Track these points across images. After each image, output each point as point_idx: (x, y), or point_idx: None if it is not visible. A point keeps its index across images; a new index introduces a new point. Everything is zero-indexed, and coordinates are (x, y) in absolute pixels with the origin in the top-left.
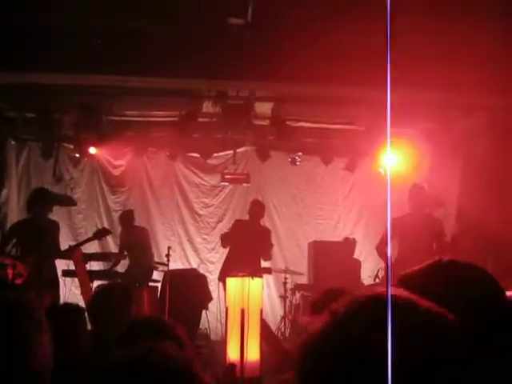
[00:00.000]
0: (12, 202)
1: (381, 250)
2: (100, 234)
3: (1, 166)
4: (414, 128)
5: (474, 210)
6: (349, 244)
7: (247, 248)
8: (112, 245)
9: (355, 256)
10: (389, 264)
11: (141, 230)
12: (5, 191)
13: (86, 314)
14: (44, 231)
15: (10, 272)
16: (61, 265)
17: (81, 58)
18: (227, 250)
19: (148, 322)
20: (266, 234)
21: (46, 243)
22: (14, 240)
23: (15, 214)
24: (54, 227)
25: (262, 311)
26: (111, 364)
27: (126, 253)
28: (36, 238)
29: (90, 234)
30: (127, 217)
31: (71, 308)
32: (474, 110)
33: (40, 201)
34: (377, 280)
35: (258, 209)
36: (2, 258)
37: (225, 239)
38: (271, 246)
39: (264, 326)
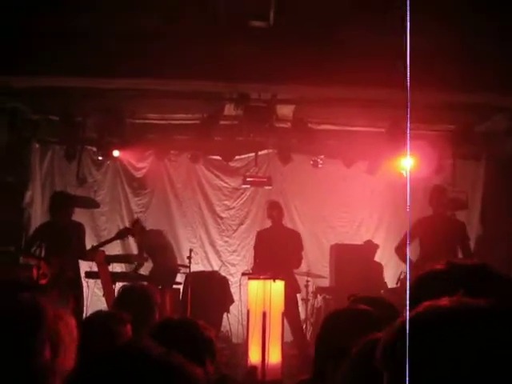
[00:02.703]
0: (36, 204)
1: (400, 251)
2: (123, 234)
3: (25, 169)
4: (435, 130)
5: (498, 212)
6: (370, 247)
7: (275, 256)
8: (134, 246)
9: (377, 259)
10: (407, 265)
11: (157, 233)
12: (29, 193)
13: None
14: (68, 233)
15: (34, 272)
16: (84, 266)
17: (102, 61)
18: (249, 253)
19: (181, 323)
20: (295, 236)
21: (71, 245)
22: (39, 242)
23: (39, 216)
24: (80, 229)
25: (283, 314)
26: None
27: (145, 255)
28: (60, 240)
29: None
30: (136, 225)
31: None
32: (496, 111)
33: (61, 204)
34: (399, 284)
35: (276, 210)
36: (27, 258)
37: (255, 257)
38: (301, 249)
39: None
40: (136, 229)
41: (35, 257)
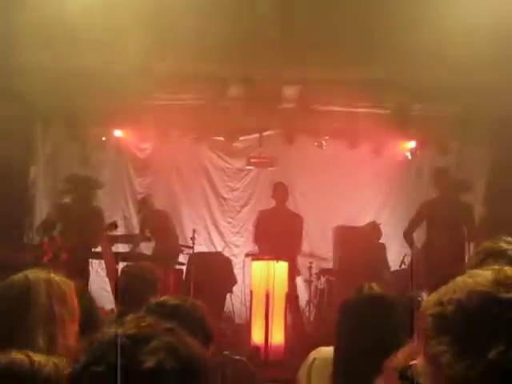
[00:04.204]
0: (39, 184)
1: (408, 235)
2: (108, 228)
3: (28, 149)
4: (441, 111)
5: (502, 195)
6: (374, 228)
7: (277, 237)
8: (137, 226)
9: (381, 240)
10: (412, 249)
11: (162, 213)
12: (32, 174)
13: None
14: (83, 216)
15: (47, 248)
16: None
17: (109, 42)
18: (252, 234)
19: (173, 304)
20: (297, 220)
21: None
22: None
23: (42, 195)
24: (96, 213)
25: (287, 295)
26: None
27: (148, 235)
28: (75, 222)
29: (115, 217)
30: (146, 202)
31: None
32: (503, 93)
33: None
34: (403, 266)
35: (281, 192)
36: (42, 237)
37: (254, 236)
38: (301, 234)
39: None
40: (144, 208)
41: (49, 237)
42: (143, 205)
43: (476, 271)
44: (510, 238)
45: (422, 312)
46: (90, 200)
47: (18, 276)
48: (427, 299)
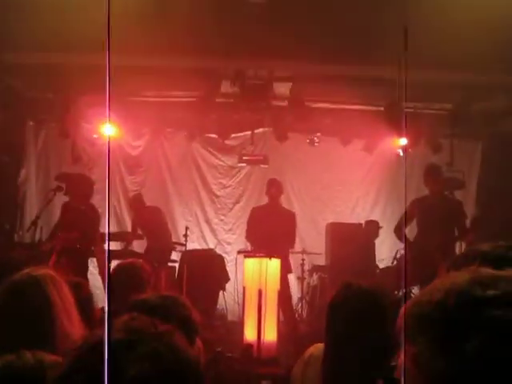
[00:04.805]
0: (31, 182)
1: (398, 231)
2: None
3: (19, 147)
4: (433, 108)
5: (494, 192)
6: (372, 227)
7: (269, 234)
8: (129, 224)
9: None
10: (405, 245)
11: (154, 210)
12: (23, 171)
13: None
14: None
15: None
16: None
17: (99, 37)
18: (245, 230)
19: (155, 301)
20: (290, 217)
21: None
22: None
23: (34, 193)
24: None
25: (279, 292)
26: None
27: (140, 232)
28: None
29: (106, 214)
30: (137, 200)
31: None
32: (495, 90)
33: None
34: (395, 262)
35: (275, 188)
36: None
37: (247, 232)
38: (294, 230)
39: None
40: (135, 205)
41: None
42: (135, 202)
43: (454, 272)
44: (501, 243)
45: (402, 314)
46: (85, 198)
47: (21, 274)
48: (408, 301)
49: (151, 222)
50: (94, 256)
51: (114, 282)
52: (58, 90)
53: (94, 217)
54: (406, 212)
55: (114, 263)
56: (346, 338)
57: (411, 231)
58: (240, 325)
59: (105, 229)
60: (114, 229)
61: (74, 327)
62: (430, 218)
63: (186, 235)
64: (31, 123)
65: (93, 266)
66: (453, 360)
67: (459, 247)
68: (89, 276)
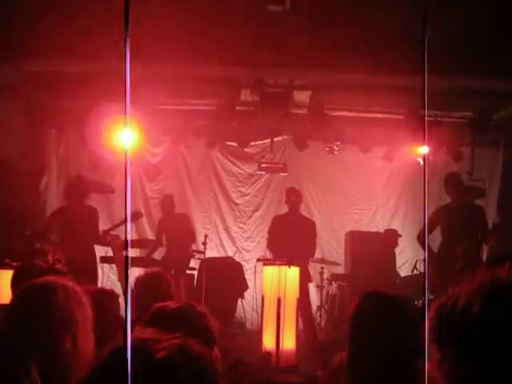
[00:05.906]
0: (51, 189)
1: (422, 240)
2: (132, 218)
3: (41, 154)
4: (454, 117)
5: None
6: (389, 235)
7: (290, 243)
8: (148, 231)
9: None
10: (426, 255)
11: (183, 216)
12: (45, 179)
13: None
14: (82, 218)
15: (50, 258)
16: (99, 251)
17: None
18: (264, 239)
19: (174, 310)
20: (310, 225)
21: (85, 230)
22: (54, 226)
23: (54, 201)
24: (93, 214)
25: (298, 300)
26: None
27: (164, 238)
28: (75, 225)
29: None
30: (168, 202)
31: (106, 293)
32: None
33: (77, 189)
34: (415, 271)
35: (294, 197)
36: (42, 244)
37: (268, 241)
38: (314, 239)
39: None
40: (166, 208)
41: (50, 242)
42: (166, 204)
43: (478, 278)
44: None
45: (428, 318)
46: (83, 201)
47: (37, 281)
48: (433, 306)
49: (179, 228)
50: (111, 262)
51: (135, 292)
52: (79, 98)
53: (94, 218)
54: (424, 220)
55: (135, 271)
56: (369, 347)
57: (435, 239)
58: (259, 333)
59: (120, 234)
60: (133, 236)
61: (86, 341)
62: (454, 226)
63: (205, 243)
64: (53, 131)
65: (112, 273)
66: (477, 365)
67: (482, 253)
68: (107, 282)
